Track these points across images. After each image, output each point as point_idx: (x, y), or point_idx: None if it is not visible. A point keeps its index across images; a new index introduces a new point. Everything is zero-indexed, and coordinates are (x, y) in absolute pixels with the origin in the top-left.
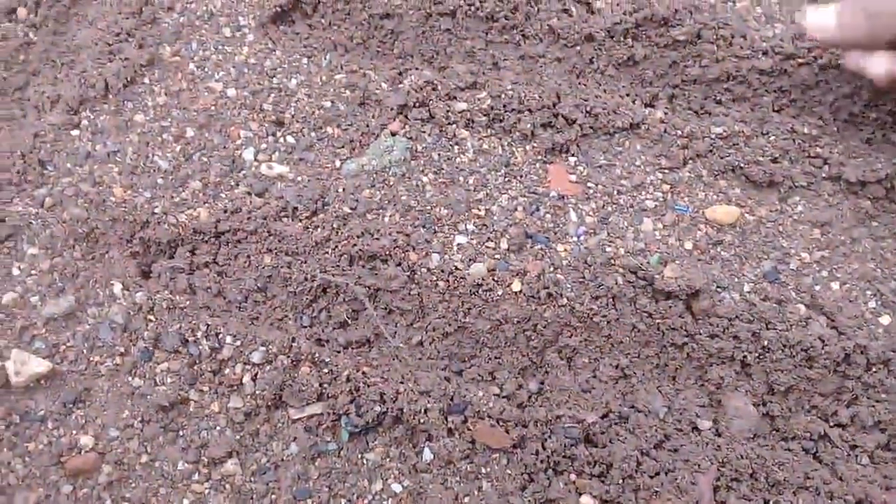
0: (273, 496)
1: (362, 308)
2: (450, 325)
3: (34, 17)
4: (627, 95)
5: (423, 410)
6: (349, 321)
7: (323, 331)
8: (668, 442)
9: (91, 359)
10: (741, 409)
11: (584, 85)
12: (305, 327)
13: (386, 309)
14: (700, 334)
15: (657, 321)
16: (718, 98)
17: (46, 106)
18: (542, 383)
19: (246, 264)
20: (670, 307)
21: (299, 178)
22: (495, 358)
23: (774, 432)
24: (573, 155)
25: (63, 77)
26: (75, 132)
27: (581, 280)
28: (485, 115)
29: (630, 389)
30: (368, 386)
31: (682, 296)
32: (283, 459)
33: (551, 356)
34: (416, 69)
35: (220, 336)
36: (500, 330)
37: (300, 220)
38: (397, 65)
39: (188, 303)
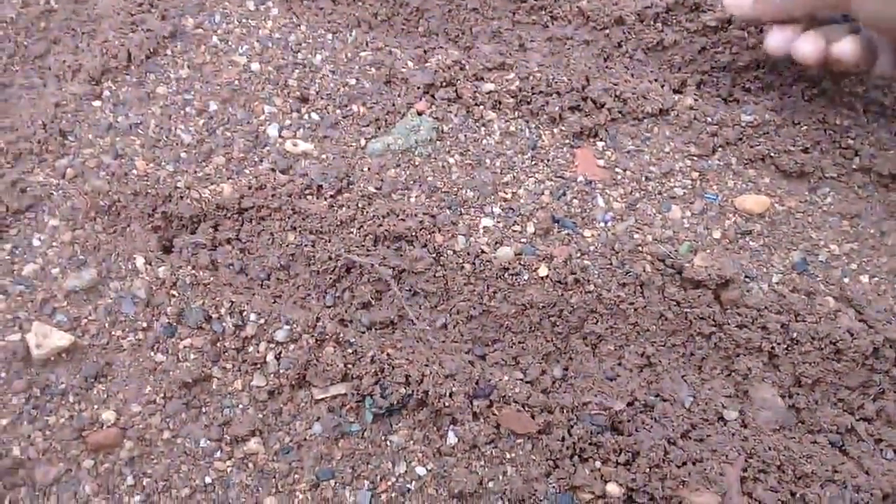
0: (296, 476)
1: (386, 289)
2: (474, 308)
3: None
4: (656, 80)
5: (448, 394)
6: (373, 302)
7: (346, 311)
8: (695, 431)
9: (113, 333)
10: (769, 401)
11: (612, 69)
12: (329, 307)
13: (410, 291)
14: (728, 324)
15: (685, 310)
16: (747, 86)
17: (67, 75)
18: (567, 369)
19: (269, 242)
20: (699, 296)
21: (324, 156)
22: (519, 343)
23: (800, 424)
24: (601, 140)
25: (84, 46)
26: (97, 103)
27: (608, 266)
28: (512, 97)
29: (655, 378)
30: (393, 367)
31: (712, 285)
32: (305, 439)
33: (576, 342)
34: (441, 48)
35: (244, 313)
36: (525, 315)
37: (325, 199)
38: (421, 43)
39: (211, 279)
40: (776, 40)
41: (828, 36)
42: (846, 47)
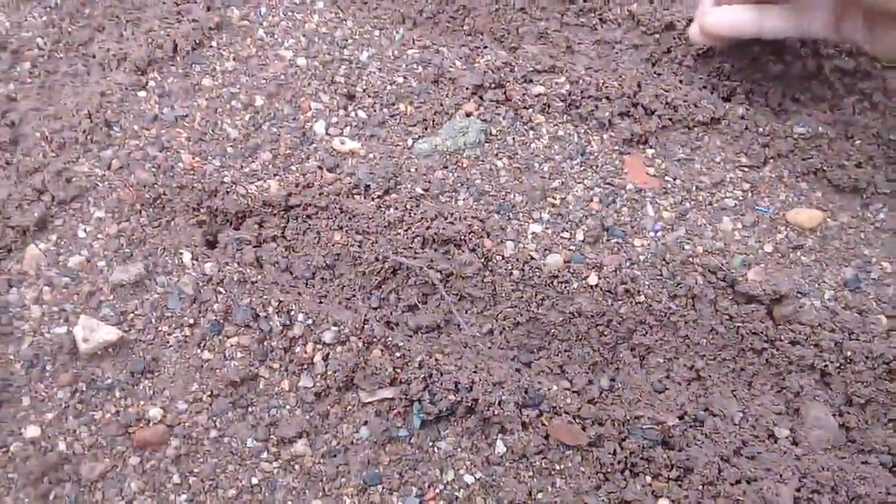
0: (343, 479)
1: (432, 292)
2: (521, 315)
3: None
4: (704, 88)
5: (497, 402)
6: (419, 305)
7: (391, 313)
8: (746, 449)
9: (159, 329)
10: (821, 420)
11: (661, 74)
12: (374, 309)
13: (457, 295)
14: (781, 340)
15: (737, 324)
16: (797, 97)
17: (112, 64)
18: (613, 380)
19: (315, 240)
20: (752, 311)
21: (371, 155)
22: (565, 351)
23: (850, 444)
24: (651, 147)
25: (129, 35)
26: (142, 93)
27: (659, 277)
28: (562, 101)
29: (704, 392)
30: (442, 373)
31: (766, 300)
32: (352, 443)
33: (624, 353)
34: (487, 47)
35: (292, 313)
36: (573, 323)
37: (372, 199)
38: (466, 42)
39: (259, 277)
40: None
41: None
42: (775, 19)
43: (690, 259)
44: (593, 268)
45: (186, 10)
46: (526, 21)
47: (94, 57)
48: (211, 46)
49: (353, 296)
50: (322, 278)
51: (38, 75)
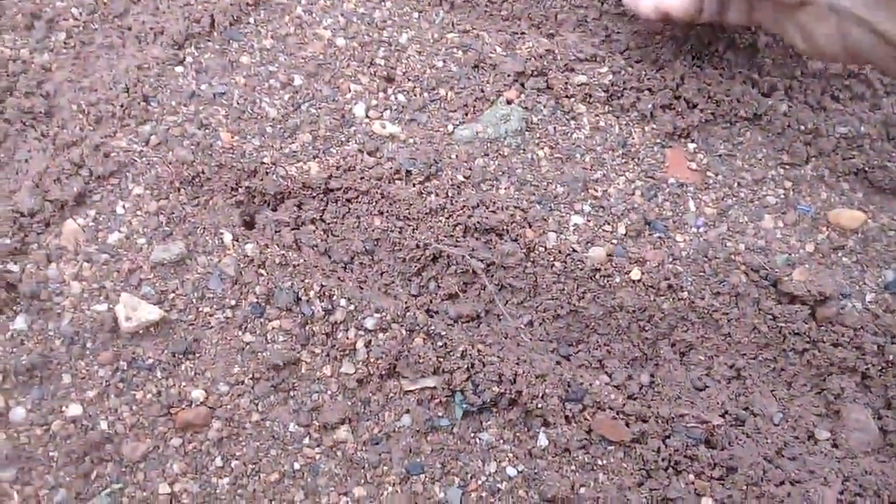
0: (385, 467)
1: (472, 282)
2: (562, 307)
3: None
4: (745, 83)
5: (541, 395)
6: (459, 294)
7: (431, 301)
8: (787, 450)
9: (200, 309)
10: (862, 422)
11: (700, 67)
12: (413, 296)
13: (498, 285)
14: (823, 342)
15: (780, 325)
16: (836, 94)
17: (149, 38)
18: (653, 376)
19: (355, 225)
20: (796, 312)
21: (411, 140)
22: (605, 345)
23: (888, 447)
24: (693, 141)
25: (165, 8)
26: (179, 68)
27: (702, 274)
28: (604, 91)
29: (744, 391)
30: (485, 364)
31: (810, 301)
32: (395, 430)
33: (664, 349)
34: (525, 34)
35: (334, 298)
36: (613, 317)
37: (413, 185)
38: (504, 27)
39: (301, 260)
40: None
41: None
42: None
43: (733, 256)
44: (636, 262)
45: None
46: (565, 8)
47: (129, 29)
48: (248, 23)
49: (392, 282)
50: (361, 263)
51: (73, 46)
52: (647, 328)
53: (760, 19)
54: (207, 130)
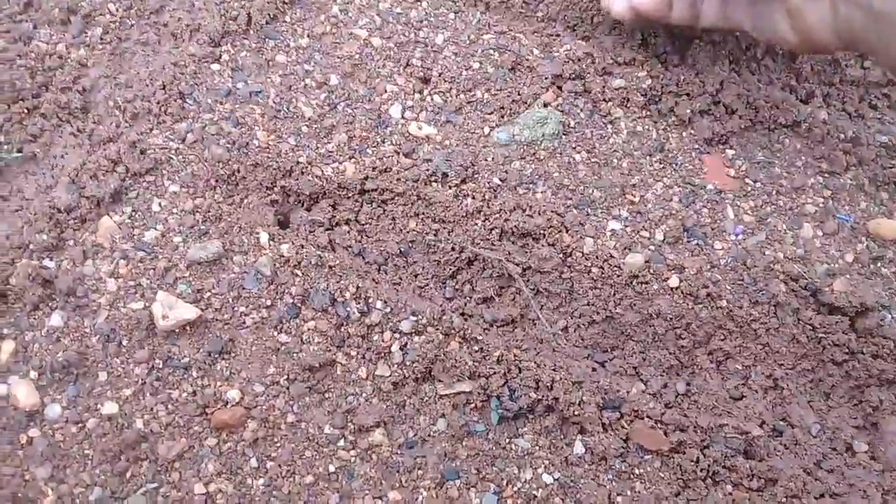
0: (420, 472)
1: (507, 285)
2: (598, 313)
3: None
4: (783, 89)
5: (578, 402)
6: (494, 298)
7: (466, 305)
8: (825, 462)
9: (236, 309)
10: None
11: (738, 73)
12: (448, 299)
13: (534, 290)
14: (863, 353)
15: (819, 335)
16: (874, 102)
17: (185, 35)
18: (689, 385)
19: (390, 226)
20: (836, 322)
21: (447, 142)
22: (640, 353)
23: None
24: (731, 147)
25: (200, 5)
26: (215, 66)
27: (740, 282)
28: (642, 95)
29: (781, 401)
30: (521, 370)
31: (851, 312)
32: (430, 435)
33: (701, 358)
34: (560, 35)
35: (370, 300)
36: (650, 324)
37: (450, 188)
38: (539, 28)
39: (337, 262)
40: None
41: None
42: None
43: (772, 265)
44: (674, 269)
45: None
46: (601, 11)
47: (165, 26)
48: (285, 21)
49: (427, 285)
50: (395, 265)
51: (109, 42)
52: (683, 336)
53: (734, 15)
54: (244, 129)
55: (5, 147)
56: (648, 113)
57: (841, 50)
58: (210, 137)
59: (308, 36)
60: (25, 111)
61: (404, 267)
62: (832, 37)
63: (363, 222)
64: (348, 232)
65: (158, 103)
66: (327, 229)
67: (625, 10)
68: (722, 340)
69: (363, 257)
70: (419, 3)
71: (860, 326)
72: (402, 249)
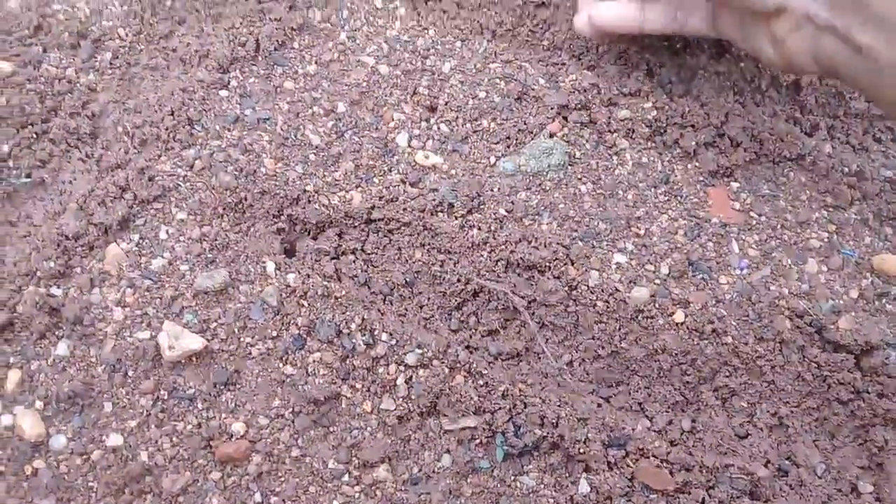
0: None
1: (513, 318)
2: (603, 347)
3: None
4: (787, 121)
5: (583, 440)
6: (500, 330)
7: (471, 337)
8: (830, 503)
9: (242, 339)
10: None
11: (743, 104)
12: (453, 331)
13: (539, 323)
14: (868, 392)
15: (825, 373)
16: (878, 136)
17: (193, 60)
18: (695, 421)
19: (396, 256)
20: (841, 361)
21: (454, 172)
22: (645, 388)
23: None
24: (736, 180)
25: (209, 31)
26: (223, 92)
27: (745, 318)
28: (647, 127)
29: (786, 440)
30: (526, 406)
31: (856, 350)
32: (434, 471)
33: (706, 394)
34: (566, 64)
35: (375, 332)
36: (655, 359)
37: (456, 218)
38: (545, 57)
39: (343, 293)
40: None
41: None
42: (605, 10)
43: (777, 301)
44: (679, 304)
45: (269, 9)
46: (606, 40)
47: (174, 51)
48: (293, 48)
49: (432, 316)
50: (401, 295)
51: (118, 67)
52: (689, 372)
53: (724, 30)
54: (251, 156)
55: (14, 172)
56: (653, 144)
57: (821, 76)
58: (218, 164)
59: (316, 63)
60: (34, 136)
61: (410, 297)
62: (815, 66)
63: (369, 252)
64: (354, 261)
65: (167, 129)
66: (333, 258)
67: (583, 25)
68: (727, 377)
69: (369, 287)
70: (426, 31)
71: (865, 365)
72: (408, 280)
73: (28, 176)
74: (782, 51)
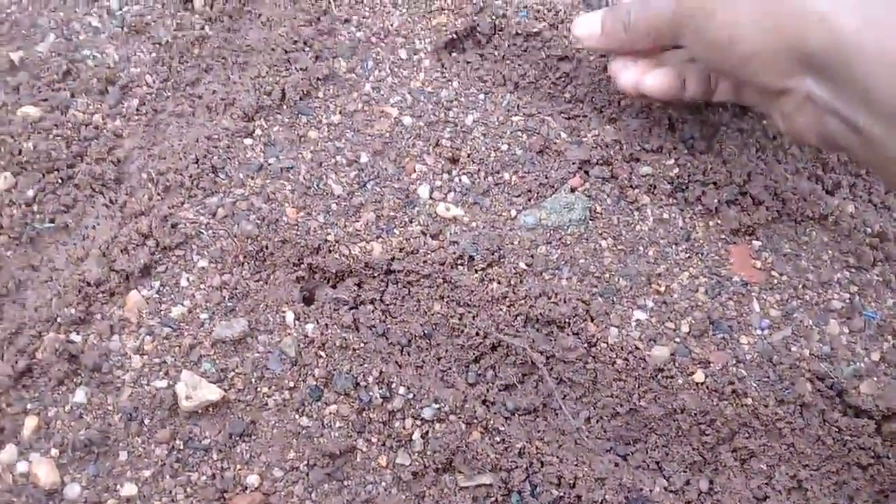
0: None
1: (530, 373)
2: (621, 405)
3: (210, 9)
4: (809, 179)
5: (601, 501)
6: (517, 385)
7: (488, 391)
8: None
9: (259, 389)
10: None
11: (765, 162)
12: (471, 385)
13: (557, 379)
14: (888, 458)
15: (845, 437)
16: None
17: (219, 108)
18: (713, 483)
19: (415, 308)
20: (862, 426)
21: (474, 224)
22: (663, 447)
23: None
24: (758, 239)
25: (236, 79)
26: (248, 140)
27: (766, 379)
28: (669, 183)
29: (805, 503)
30: (543, 464)
31: (877, 416)
32: None
33: (725, 455)
34: (587, 116)
35: (393, 385)
36: (674, 419)
37: (476, 271)
38: (566, 109)
39: (361, 344)
40: (616, 70)
41: (669, 65)
42: (651, 80)
43: (798, 363)
44: (700, 364)
45: (295, 59)
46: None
47: (200, 98)
48: (318, 97)
49: (449, 368)
50: (418, 347)
51: (145, 113)
52: (707, 432)
53: (747, 99)
54: (273, 205)
55: (38, 217)
56: (675, 201)
57: (828, 150)
58: (240, 213)
59: (340, 113)
60: (60, 181)
61: (427, 349)
62: (818, 139)
63: (388, 302)
64: (373, 311)
65: (191, 177)
66: (352, 308)
67: (630, 87)
68: (746, 438)
69: (387, 338)
70: (450, 83)
71: (886, 430)
72: (426, 332)
73: (52, 221)
74: (790, 125)
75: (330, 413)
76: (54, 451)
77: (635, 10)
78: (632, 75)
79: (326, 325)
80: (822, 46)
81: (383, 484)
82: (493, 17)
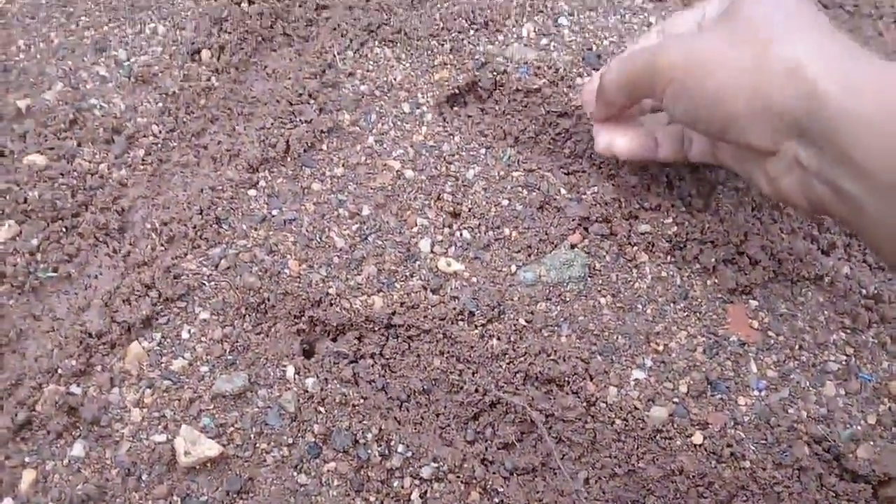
0: None
1: (529, 431)
2: (620, 466)
3: (217, 61)
4: (805, 239)
5: None
6: (516, 444)
7: (487, 449)
8: None
9: (258, 445)
10: None
11: (761, 220)
12: (469, 442)
13: (556, 438)
14: None
15: (842, 502)
16: None
17: (224, 159)
18: None
19: (415, 363)
20: (859, 491)
21: (475, 279)
22: None
23: None
24: (755, 298)
25: (241, 130)
26: (252, 192)
27: (764, 442)
28: (667, 241)
29: None
30: None
31: (874, 481)
32: None
33: None
34: (586, 172)
35: (392, 443)
36: (672, 480)
37: (476, 327)
38: (566, 164)
39: (361, 400)
40: (595, 132)
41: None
42: (621, 141)
43: (795, 425)
44: (698, 425)
45: (300, 111)
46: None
47: (205, 148)
48: (321, 150)
49: (448, 425)
50: (417, 403)
51: (150, 163)
52: (705, 495)
53: (723, 159)
54: (276, 257)
55: (41, 266)
56: (673, 259)
57: (813, 213)
58: (243, 265)
59: (343, 165)
60: (64, 230)
61: (427, 405)
62: (804, 202)
63: (388, 356)
64: (373, 366)
65: (195, 227)
66: (352, 362)
67: (603, 148)
68: (744, 502)
69: (386, 392)
70: (452, 137)
71: (882, 496)
72: (426, 387)
73: (55, 270)
74: (775, 188)
75: (328, 471)
76: None
77: (614, 64)
78: (606, 136)
79: (326, 379)
80: (805, 111)
81: None
82: (495, 73)
